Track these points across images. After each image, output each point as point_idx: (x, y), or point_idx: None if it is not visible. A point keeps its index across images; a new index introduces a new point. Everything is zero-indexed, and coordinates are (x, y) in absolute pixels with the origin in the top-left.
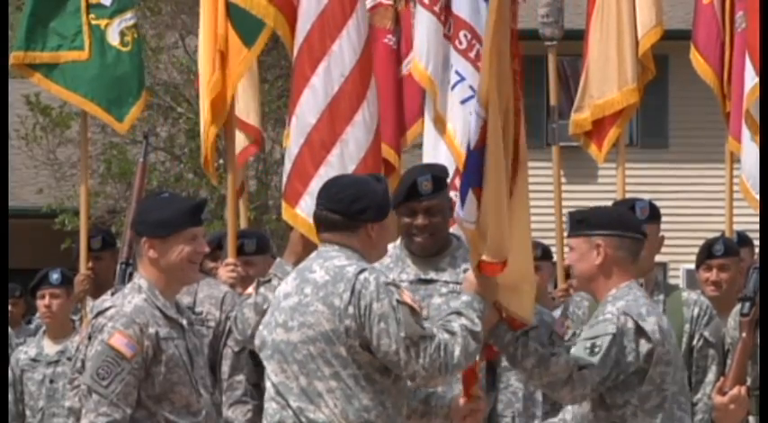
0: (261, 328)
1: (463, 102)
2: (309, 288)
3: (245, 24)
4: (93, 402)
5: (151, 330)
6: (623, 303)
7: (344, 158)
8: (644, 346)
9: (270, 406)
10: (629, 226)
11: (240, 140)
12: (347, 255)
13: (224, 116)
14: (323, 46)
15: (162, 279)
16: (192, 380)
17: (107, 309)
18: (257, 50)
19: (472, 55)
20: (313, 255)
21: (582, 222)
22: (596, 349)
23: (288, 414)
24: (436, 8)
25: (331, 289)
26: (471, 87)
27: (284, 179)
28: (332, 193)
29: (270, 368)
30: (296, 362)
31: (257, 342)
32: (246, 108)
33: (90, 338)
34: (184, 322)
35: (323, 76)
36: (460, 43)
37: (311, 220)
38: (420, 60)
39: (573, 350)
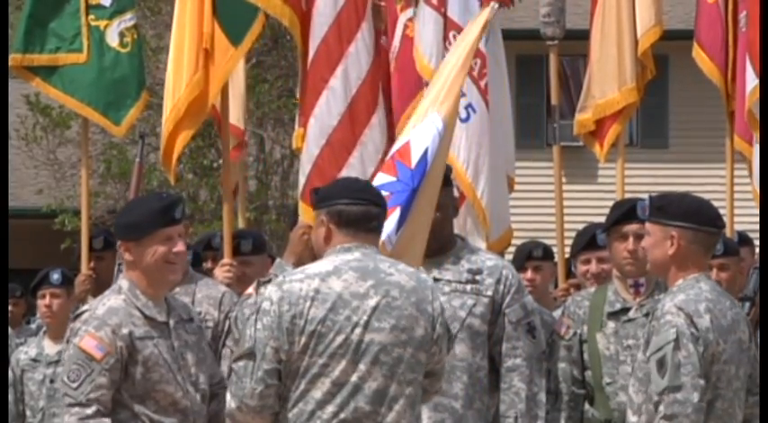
0: (301, 323)
1: None
2: (396, 291)
3: (232, 23)
4: (66, 404)
5: (124, 331)
6: (682, 298)
7: (364, 160)
8: (699, 348)
9: (322, 410)
10: (706, 219)
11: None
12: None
13: (202, 116)
14: (340, 48)
15: (142, 280)
16: (176, 378)
17: (83, 312)
18: (244, 49)
19: None
20: (356, 255)
21: (660, 210)
22: (664, 367)
23: (346, 417)
24: (443, 9)
25: (422, 295)
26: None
27: (302, 180)
28: (377, 194)
29: (319, 370)
30: (380, 363)
31: (292, 340)
32: (233, 111)
33: (68, 342)
34: (171, 321)
35: (341, 78)
36: (450, 44)
37: None
38: (424, 56)
39: (646, 367)
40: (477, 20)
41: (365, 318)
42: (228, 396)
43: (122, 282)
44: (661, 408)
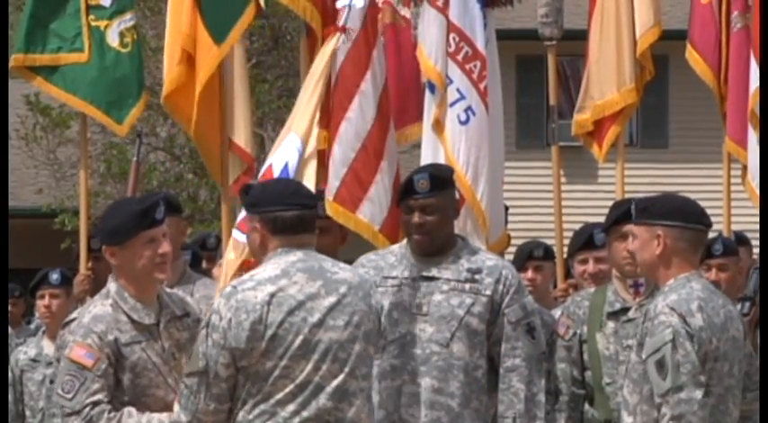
0: (261, 329)
1: (451, 105)
2: (344, 288)
3: (215, 22)
4: (64, 415)
5: (110, 337)
6: (674, 298)
7: (392, 165)
8: (695, 346)
9: (283, 409)
10: (692, 217)
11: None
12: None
13: (184, 115)
14: (368, 52)
15: (130, 284)
16: (167, 380)
17: (70, 322)
18: (226, 48)
19: (460, 58)
20: (299, 255)
21: (645, 211)
22: (664, 368)
23: (309, 415)
24: (446, 12)
25: (366, 290)
26: (458, 90)
27: (335, 182)
28: (308, 194)
29: (281, 372)
30: (338, 360)
31: (253, 346)
32: (238, 131)
33: (59, 350)
34: (162, 321)
35: (371, 82)
36: (450, 46)
37: (375, 225)
38: (430, 58)
39: (640, 368)
40: (325, 48)
41: (320, 317)
42: (177, 408)
43: (111, 285)
44: (666, 409)
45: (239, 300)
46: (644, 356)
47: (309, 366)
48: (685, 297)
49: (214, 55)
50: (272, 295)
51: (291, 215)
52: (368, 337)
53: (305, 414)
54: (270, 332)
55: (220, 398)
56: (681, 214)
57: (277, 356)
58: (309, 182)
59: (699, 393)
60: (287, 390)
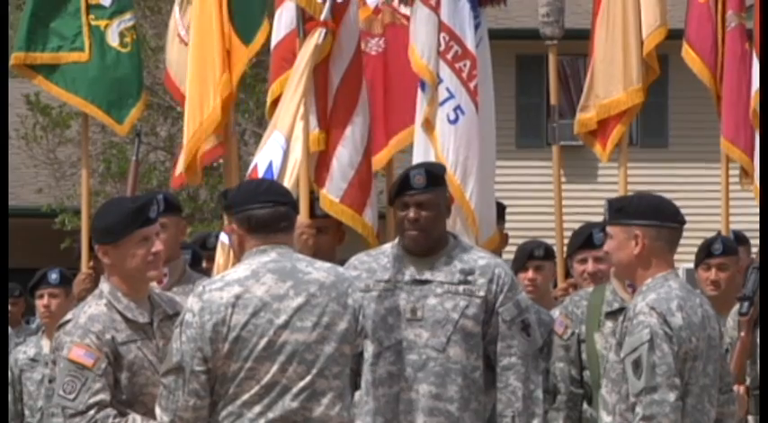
0: (224, 330)
1: (441, 104)
2: (314, 288)
3: (243, 23)
4: (68, 416)
5: (107, 336)
6: (653, 297)
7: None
8: (674, 347)
9: (249, 410)
10: (668, 215)
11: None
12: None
13: (225, 118)
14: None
15: (124, 282)
16: None
17: (66, 323)
18: (255, 48)
19: (449, 57)
20: (272, 255)
21: (620, 211)
22: (640, 368)
23: (275, 416)
24: (438, 11)
25: (341, 289)
26: (448, 89)
27: (342, 184)
28: (282, 192)
29: (246, 374)
30: (305, 362)
31: (216, 347)
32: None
33: (56, 352)
34: (155, 320)
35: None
36: (440, 46)
37: (375, 229)
38: (422, 56)
39: (619, 367)
40: (308, 42)
41: (287, 318)
42: (158, 410)
43: (103, 285)
44: (639, 409)
45: (205, 300)
46: (622, 356)
47: (275, 368)
48: (665, 296)
49: (243, 55)
50: (238, 297)
51: (265, 212)
52: (342, 336)
53: (271, 415)
54: (233, 334)
55: (199, 393)
56: (657, 213)
57: (242, 358)
58: (292, 180)
59: (672, 396)
60: (253, 391)
